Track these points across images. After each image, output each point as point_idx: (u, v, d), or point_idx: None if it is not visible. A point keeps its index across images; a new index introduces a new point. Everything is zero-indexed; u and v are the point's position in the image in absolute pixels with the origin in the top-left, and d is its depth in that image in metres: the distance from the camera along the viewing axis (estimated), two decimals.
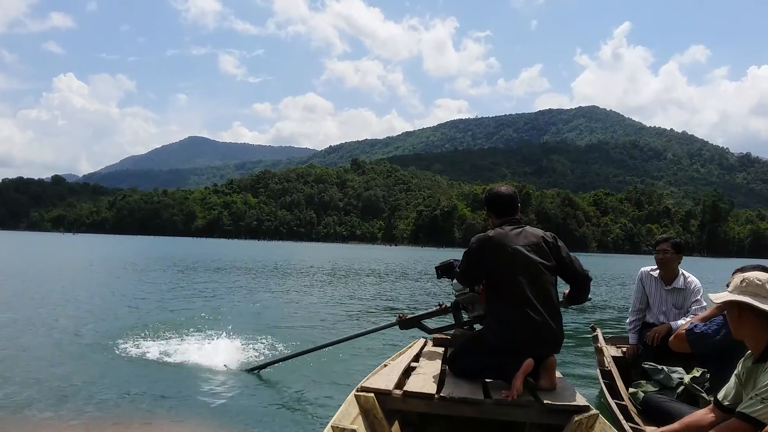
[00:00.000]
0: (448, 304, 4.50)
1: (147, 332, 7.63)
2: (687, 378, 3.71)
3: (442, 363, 3.77)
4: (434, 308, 4.64)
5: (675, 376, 3.85)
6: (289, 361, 5.59)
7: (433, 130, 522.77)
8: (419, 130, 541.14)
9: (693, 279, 4.63)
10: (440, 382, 3.31)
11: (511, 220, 3.49)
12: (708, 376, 3.68)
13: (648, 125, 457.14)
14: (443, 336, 4.45)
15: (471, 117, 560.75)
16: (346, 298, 13.78)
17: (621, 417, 3.38)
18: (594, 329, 5.23)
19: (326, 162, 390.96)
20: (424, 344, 4.42)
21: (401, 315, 4.69)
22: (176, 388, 5.12)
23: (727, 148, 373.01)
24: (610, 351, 4.78)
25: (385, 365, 3.71)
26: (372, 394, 3.03)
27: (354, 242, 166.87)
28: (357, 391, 3.07)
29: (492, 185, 3.81)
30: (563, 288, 3.62)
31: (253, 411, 4.57)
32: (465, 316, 4.39)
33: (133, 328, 7.99)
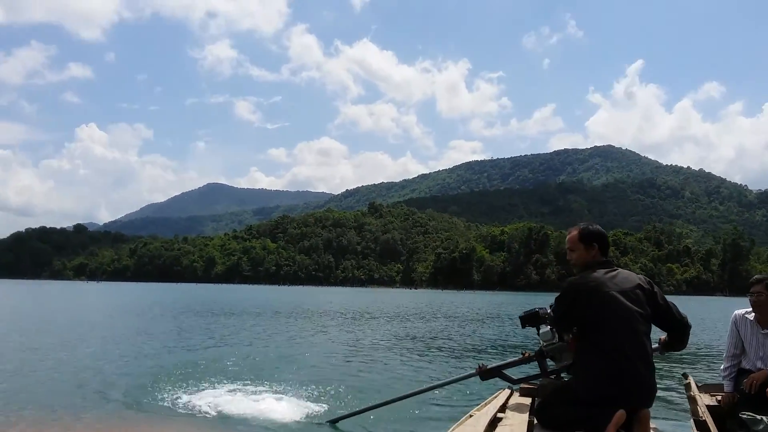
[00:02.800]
0: (532, 353, 4.38)
1: (204, 383, 7.44)
2: None
3: (530, 414, 3.63)
4: (516, 357, 4.52)
5: None
6: (369, 412, 5.45)
7: (448, 172, 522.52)
8: (435, 172, 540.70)
9: None
10: None
11: (606, 262, 3.36)
12: None
13: (664, 163, 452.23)
14: (530, 386, 4.29)
15: (486, 158, 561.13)
16: (399, 345, 13.38)
17: None
18: (686, 377, 4.89)
19: (343, 206, 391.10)
20: (510, 395, 4.25)
21: (481, 365, 4.53)
22: None
23: (746, 185, 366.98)
24: (704, 399, 4.47)
25: (471, 416, 3.60)
26: None
27: (373, 286, 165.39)
28: None
29: (583, 224, 3.75)
30: (659, 333, 3.49)
31: None
32: (551, 365, 4.28)
33: (188, 380, 7.76)
